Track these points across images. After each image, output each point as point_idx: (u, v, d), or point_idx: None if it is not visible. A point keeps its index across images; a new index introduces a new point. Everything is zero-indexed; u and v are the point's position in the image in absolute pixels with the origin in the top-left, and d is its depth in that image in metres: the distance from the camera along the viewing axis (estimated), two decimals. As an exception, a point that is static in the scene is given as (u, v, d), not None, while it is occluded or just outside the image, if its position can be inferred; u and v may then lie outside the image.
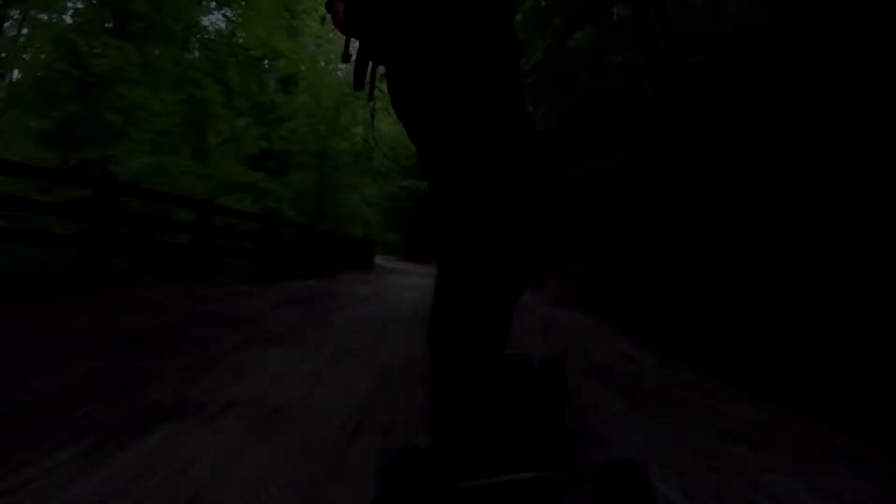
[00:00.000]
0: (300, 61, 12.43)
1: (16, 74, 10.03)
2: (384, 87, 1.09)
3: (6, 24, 9.14)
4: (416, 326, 3.30)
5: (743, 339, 2.93)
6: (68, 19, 7.95)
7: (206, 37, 6.85)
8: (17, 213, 4.27)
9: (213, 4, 7.43)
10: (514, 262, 0.97)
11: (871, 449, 1.62)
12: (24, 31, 9.42)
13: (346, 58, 1.05)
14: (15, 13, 9.19)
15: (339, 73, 14.48)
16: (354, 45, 1.06)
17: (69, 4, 7.28)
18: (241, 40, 7.64)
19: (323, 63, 13.89)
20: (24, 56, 8.47)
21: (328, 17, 1.07)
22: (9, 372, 1.69)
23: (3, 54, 9.03)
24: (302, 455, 1.24)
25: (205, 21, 8.02)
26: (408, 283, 8.87)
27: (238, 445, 1.26)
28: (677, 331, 3.62)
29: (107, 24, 7.25)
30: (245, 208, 7.78)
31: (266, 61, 11.68)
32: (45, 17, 8.17)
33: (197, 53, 7.22)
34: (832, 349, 2.32)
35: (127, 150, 7.05)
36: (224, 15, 6.52)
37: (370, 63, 1.03)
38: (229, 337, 2.64)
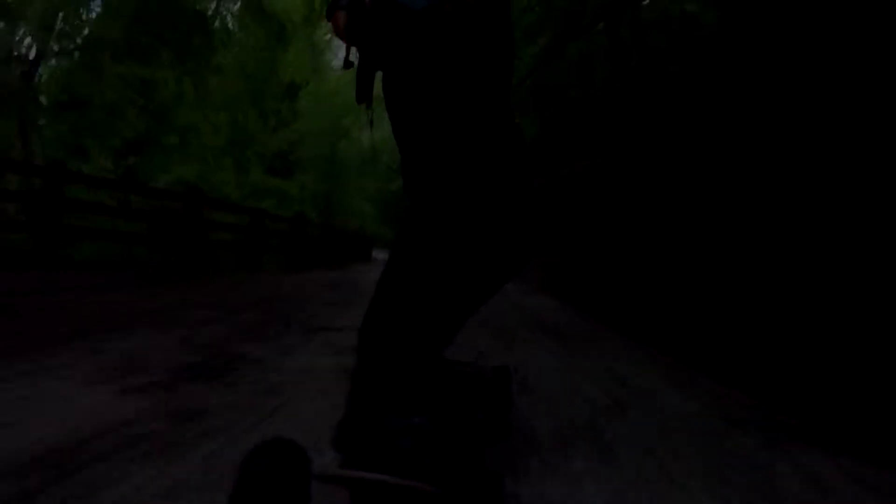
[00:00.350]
0: (309, 72, 13.77)
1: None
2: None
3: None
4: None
5: (639, 307, 4.50)
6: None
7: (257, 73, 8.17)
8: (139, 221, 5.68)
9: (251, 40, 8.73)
10: (472, 266, 0.95)
11: (656, 351, 3.16)
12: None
13: (347, 65, 1.07)
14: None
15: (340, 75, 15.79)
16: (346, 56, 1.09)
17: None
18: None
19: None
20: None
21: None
22: (220, 314, 3.16)
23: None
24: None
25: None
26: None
27: (359, 340, 2.76)
28: (610, 306, 5.18)
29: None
30: (269, 209, 9.25)
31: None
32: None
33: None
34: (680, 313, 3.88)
35: (164, 160, 8.47)
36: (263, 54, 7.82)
37: (371, 73, 1.05)
38: (310, 304, 4.14)
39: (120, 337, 2.14)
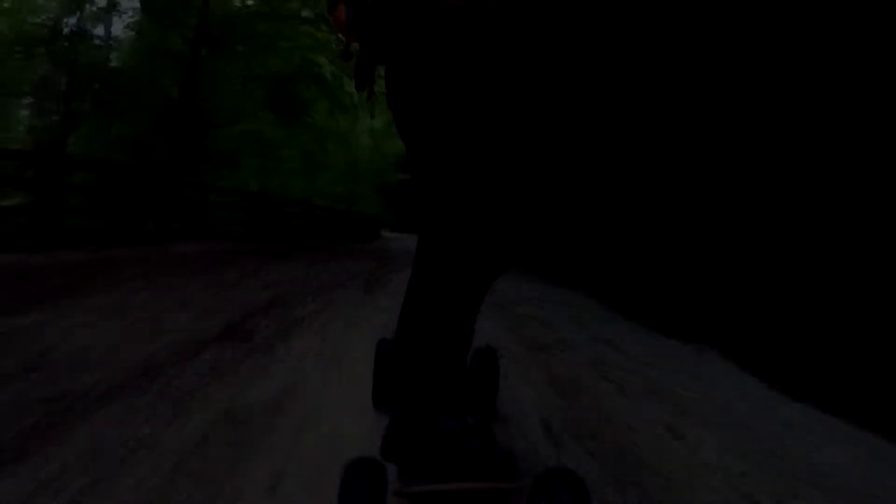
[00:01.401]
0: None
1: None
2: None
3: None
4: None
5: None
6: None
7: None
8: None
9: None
10: (493, 254, 0.96)
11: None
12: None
13: (345, 56, 1.06)
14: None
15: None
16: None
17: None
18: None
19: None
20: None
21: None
22: (364, 255, 8.60)
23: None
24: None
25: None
26: (407, 246, 16.06)
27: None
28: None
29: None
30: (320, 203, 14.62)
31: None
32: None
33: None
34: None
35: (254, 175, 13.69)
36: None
37: (372, 64, 1.04)
38: (386, 253, 9.60)
39: (351, 259, 7.58)
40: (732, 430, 1.66)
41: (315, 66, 11.42)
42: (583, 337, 2.97)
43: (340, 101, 12.19)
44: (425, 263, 0.97)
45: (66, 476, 1.09)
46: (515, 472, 0.87)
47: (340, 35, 1.04)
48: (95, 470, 1.13)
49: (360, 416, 1.48)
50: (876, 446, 1.63)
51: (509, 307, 3.75)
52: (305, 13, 10.90)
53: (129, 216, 6.95)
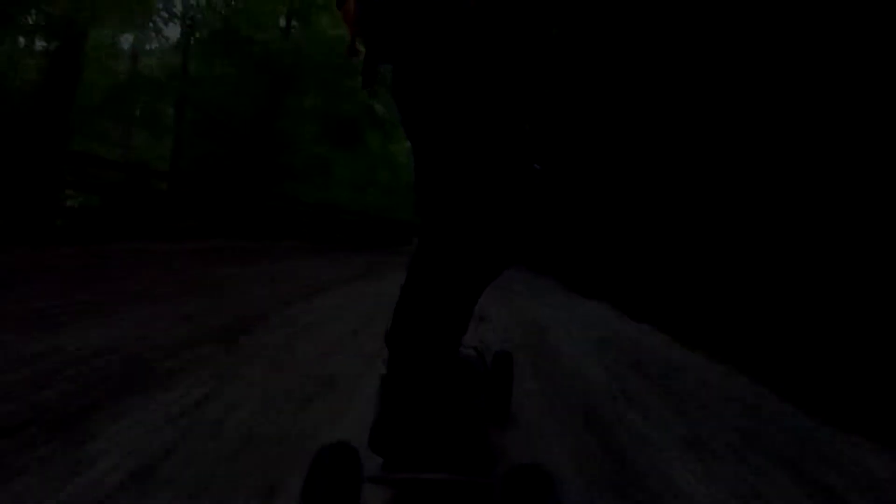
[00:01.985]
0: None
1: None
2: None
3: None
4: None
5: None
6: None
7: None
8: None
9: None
10: (490, 253, 0.98)
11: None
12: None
13: (351, 52, 1.07)
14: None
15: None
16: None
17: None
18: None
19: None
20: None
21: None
22: (395, 255, 11.43)
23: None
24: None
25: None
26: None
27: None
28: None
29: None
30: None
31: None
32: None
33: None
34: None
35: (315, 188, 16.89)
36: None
37: (378, 61, 1.04)
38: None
39: (397, 254, 10.38)
40: (566, 314, 4.31)
41: (373, 108, 14.46)
42: (525, 291, 5.65)
43: (390, 133, 15.20)
44: (424, 260, 0.99)
45: (328, 302, 3.79)
46: (493, 467, 0.90)
47: (348, 29, 1.04)
48: (335, 299, 3.89)
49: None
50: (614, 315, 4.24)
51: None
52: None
53: (242, 218, 9.98)
